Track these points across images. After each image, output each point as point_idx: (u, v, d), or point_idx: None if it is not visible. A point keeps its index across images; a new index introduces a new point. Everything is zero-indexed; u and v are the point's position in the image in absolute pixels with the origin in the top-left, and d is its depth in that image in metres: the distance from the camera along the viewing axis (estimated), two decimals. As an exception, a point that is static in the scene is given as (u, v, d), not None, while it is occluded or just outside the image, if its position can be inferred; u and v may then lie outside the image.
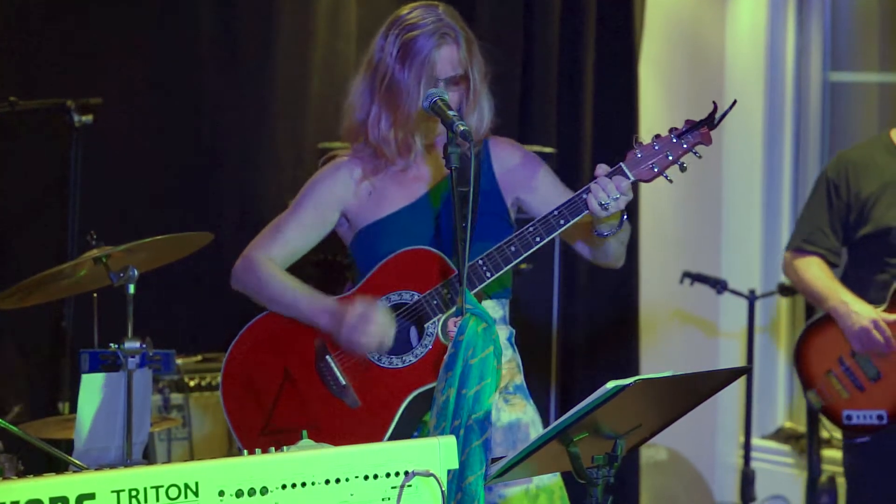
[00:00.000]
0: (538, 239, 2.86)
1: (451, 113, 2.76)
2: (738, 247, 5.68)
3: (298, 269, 3.16)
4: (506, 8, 5.14)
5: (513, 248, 2.86)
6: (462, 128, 2.71)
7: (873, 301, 3.95)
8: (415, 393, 2.89)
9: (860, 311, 3.92)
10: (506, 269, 2.88)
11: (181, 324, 4.32)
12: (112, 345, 3.08)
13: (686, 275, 5.18)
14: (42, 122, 3.99)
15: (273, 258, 3.05)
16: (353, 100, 3.05)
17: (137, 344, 3.05)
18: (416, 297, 2.92)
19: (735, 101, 2.87)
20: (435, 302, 2.89)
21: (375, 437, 2.85)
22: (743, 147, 5.65)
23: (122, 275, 3.05)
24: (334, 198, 3.06)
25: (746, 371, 4.76)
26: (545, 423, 4.51)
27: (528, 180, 3.09)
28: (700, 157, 2.89)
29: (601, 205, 2.81)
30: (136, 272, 3.05)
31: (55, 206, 4.04)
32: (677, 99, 5.73)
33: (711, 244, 5.73)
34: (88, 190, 3.94)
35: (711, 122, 2.86)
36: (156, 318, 3.84)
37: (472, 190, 2.75)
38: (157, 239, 3.10)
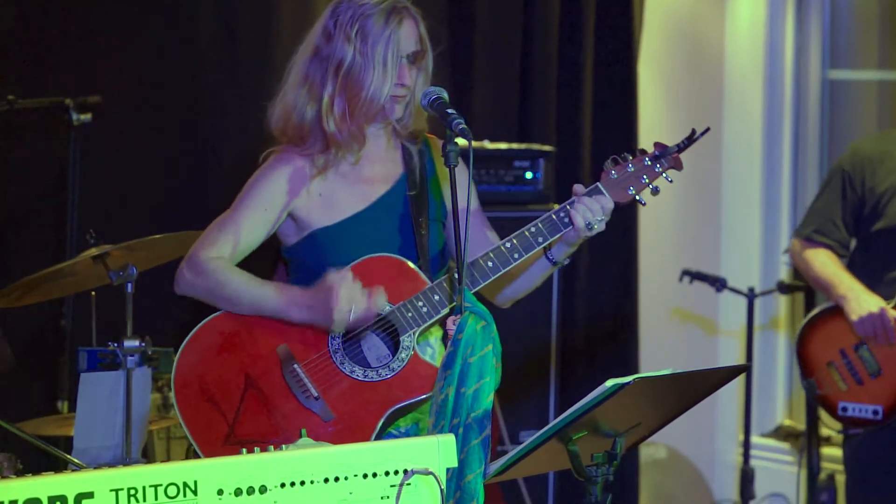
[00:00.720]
0: (517, 255, 2.82)
1: (450, 111, 2.75)
2: (738, 245, 5.68)
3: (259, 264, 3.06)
4: (505, 5, 5.14)
5: (490, 264, 2.81)
6: (461, 126, 2.70)
7: (883, 297, 3.96)
8: (392, 409, 2.81)
9: (868, 300, 3.93)
10: (483, 284, 2.82)
11: (180, 322, 4.31)
12: (111, 343, 3.08)
13: (685, 273, 5.18)
14: (41, 120, 3.99)
15: (223, 257, 2.89)
16: (296, 92, 2.92)
17: (136, 342, 3.05)
18: (388, 308, 2.82)
19: (708, 129, 2.92)
20: (410, 314, 2.81)
21: None
22: (742, 145, 5.65)
23: (121, 273, 3.05)
24: (282, 196, 2.92)
25: (746, 369, 4.78)
26: (544, 421, 4.52)
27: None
28: (671, 181, 2.92)
29: (588, 224, 2.81)
30: (135, 271, 3.05)
31: (54, 205, 4.04)
32: (676, 97, 5.73)
33: (711, 242, 5.73)
34: (87, 188, 3.94)
35: (684, 147, 2.90)
36: (155, 316, 3.84)
37: (469, 185, 2.72)
38: (157, 238, 3.11)
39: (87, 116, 3.88)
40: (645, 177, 2.89)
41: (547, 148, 4.79)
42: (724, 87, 5.69)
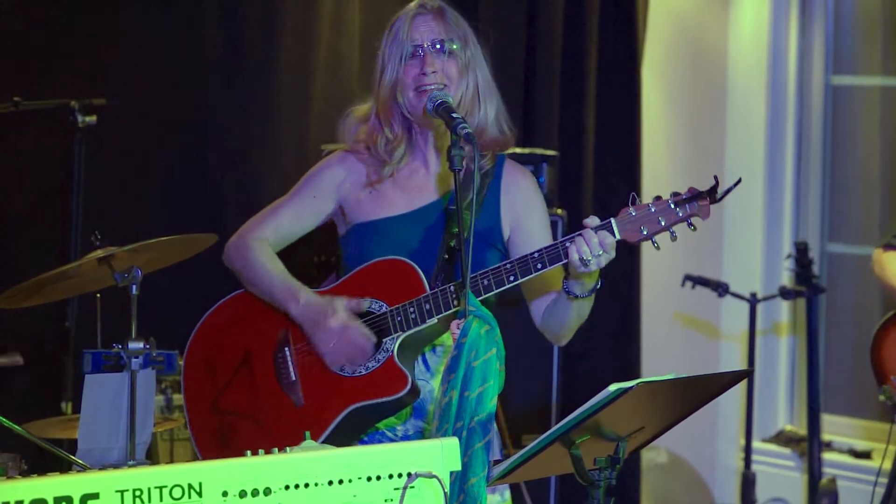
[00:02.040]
0: (512, 278, 2.77)
1: (454, 115, 2.75)
2: (740, 250, 5.68)
3: (298, 269, 3.14)
4: (508, 10, 5.15)
5: (485, 282, 2.79)
6: (466, 130, 2.70)
7: None
8: (355, 406, 2.82)
9: None
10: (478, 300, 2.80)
11: (184, 324, 4.31)
12: (115, 345, 3.09)
13: (687, 277, 5.19)
14: (46, 122, 4.00)
15: (265, 238, 3.01)
16: (359, 112, 3.02)
17: (141, 344, 3.05)
18: (384, 309, 2.86)
19: (740, 180, 2.74)
20: (399, 318, 2.83)
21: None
22: (745, 150, 5.65)
23: (126, 275, 3.05)
24: (334, 188, 3.00)
25: (748, 374, 4.78)
26: (547, 425, 4.52)
27: (528, 234, 2.96)
28: (695, 229, 2.76)
29: (581, 259, 2.70)
30: (140, 272, 3.05)
31: (59, 207, 4.04)
32: (680, 102, 5.74)
33: (713, 247, 5.73)
34: (92, 190, 3.95)
35: (714, 195, 2.70)
36: (159, 318, 3.84)
37: (474, 193, 2.72)
38: (162, 240, 3.11)
39: (92, 118, 3.89)
40: (662, 220, 2.74)
41: (550, 152, 4.79)
42: (727, 93, 5.69)
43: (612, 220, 2.74)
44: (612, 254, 2.73)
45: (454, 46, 2.90)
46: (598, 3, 5.32)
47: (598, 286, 2.82)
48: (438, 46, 2.88)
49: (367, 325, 2.87)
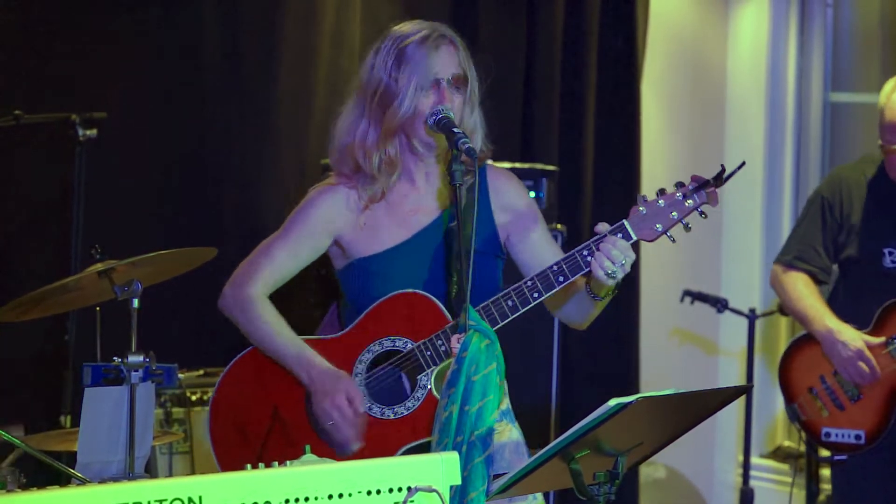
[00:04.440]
0: (536, 295, 2.79)
1: (455, 129, 2.76)
2: (739, 266, 5.69)
3: (299, 281, 3.13)
4: (508, 25, 5.17)
5: (510, 303, 2.79)
6: (467, 145, 2.70)
7: (859, 326, 3.97)
8: (406, 447, 2.82)
9: (846, 341, 3.94)
10: (502, 324, 2.80)
11: (184, 338, 4.32)
12: (115, 358, 3.09)
13: (686, 293, 5.19)
14: (47, 135, 4.00)
15: (264, 290, 2.97)
16: (342, 122, 2.96)
17: (140, 358, 3.05)
18: (409, 346, 2.84)
19: (744, 163, 2.77)
20: (429, 353, 2.82)
21: None
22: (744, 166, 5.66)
23: (126, 288, 3.05)
24: (328, 225, 2.96)
25: (748, 390, 4.78)
26: (545, 440, 4.52)
27: (527, 230, 2.98)
28: (705, 217, 2.78)
29: (607, 273, 2.71)
30: (140, 286, 3.05)
31: (59, 220, 4.05)
32: (679, 118, 5.75)
33: (712, 263, 5.74)
34: (93, 204, 3.95)
35: (719, 181, 2.74)
36: (158, 332, 3.84)
37: (475, 207, 2.72)
38: (162, 253, 3.11)
39: (92, 132, 3.89)
40: (674, 212, 2.76)
41: (550, 167, 4.80)
42: (726, 109, 5.71)
43: (625, 223, 2.75)
44: (633, 255, 2.74)
45: (468, 80, 2.91)
46: (597, 19, 5.34)
47: (621, 281, 2.81)
48: (455, 81, 2.88)
49: (394, 364, 2.86)
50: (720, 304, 5.15)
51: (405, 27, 2.93)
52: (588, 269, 2.75)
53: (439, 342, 2.81)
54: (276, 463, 2.10)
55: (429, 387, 2.82)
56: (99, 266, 3.10)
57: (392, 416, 2.84)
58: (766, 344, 5.65)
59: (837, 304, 4.07)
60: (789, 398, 4.14)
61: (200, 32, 4.42)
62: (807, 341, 4.10)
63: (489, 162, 3.04)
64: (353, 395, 2.83)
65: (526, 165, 4.81)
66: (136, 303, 3.06)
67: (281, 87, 4.58)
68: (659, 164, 5.63)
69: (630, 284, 5.42)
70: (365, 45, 4.68)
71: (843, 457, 4.01)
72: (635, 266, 5.43)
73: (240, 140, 4.52)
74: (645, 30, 5.48)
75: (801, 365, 4.11)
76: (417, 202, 2.96)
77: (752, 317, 5.15)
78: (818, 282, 4.12)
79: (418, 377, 2.83)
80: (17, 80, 4.08)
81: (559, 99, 5.26)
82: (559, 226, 4.59)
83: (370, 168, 2.91)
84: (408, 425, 2.82)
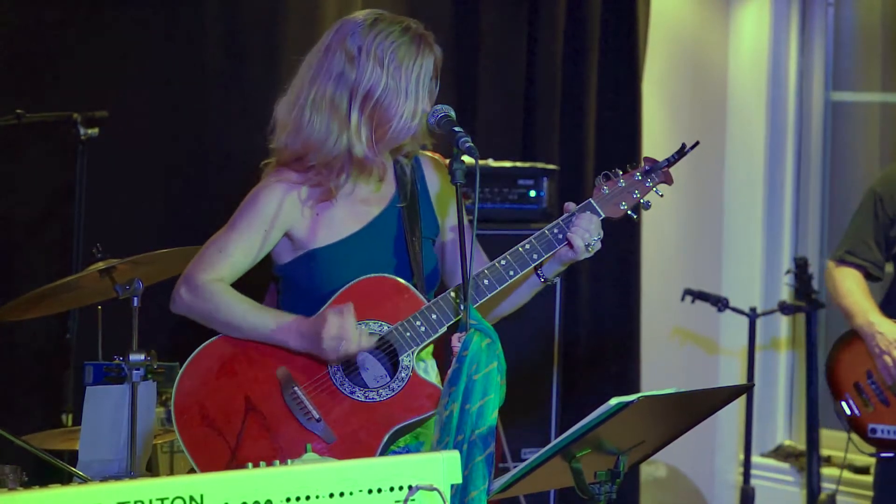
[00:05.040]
0: (512, 273, 2.82)
1: (457, 129, 2.76)
2: (740, 265, 5.69)
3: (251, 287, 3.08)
4: (510, 25, 5.17)
5: (486, 282, 2.81)
6: (468, 144, 2.71)
7: None
8: (394, 429, 2.81)
9: (886, 333, 3.97)
10: (480, 302, 2.81)
11: (185, 336, 4.32)
12: (116, 357, 3.09)
13: (687, 292, 5.20)
14: (48, 134, 4.00)
15: (223, 279, 2.89)
16: (311, 118, 2.87)
17: (142, 356, 3.05)
18: (385, 328, 2.83)
19: (697, 142, 2.91)
20: (409, 334, 2.81)
21: None
22: (745, 165, 5.67)
23: (127, 287, 3.05)
24: (280, 218, 2.90)
25: (749, 388, 4.79)
26: (546, 439, 4.53)
27: (452, 217, 2.98)
28: (661, 195, 2.95)
29: (587, 245, 2.83)
30: (141, 285, 3.05)
31: (61, 219, 4.05)
32: (680, 118, 5.75)
33: (713, 262, 5.75)
34: (94, 203, 3.95)
35: (673, 161, 2.91)
36: (160, 330, 3.85)
37: (476, 203, 2.73)
38: (163, 252, 3.12)
39: (94, 131, 3.89)
40: (636, 192, 2.92)
41: (551, 167, 4.81)
42: (727, 108, 5.71)
43: (591, 201, 2.90)
44: (602, 233, 2.87)
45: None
46: (598, 18, 5.34)
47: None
48: (436, 83, 2.90)
49: (373, 346, 2.84)
50: (721, 303, 5.15)
51: (382, 21, 2.86)
52: (560, 246, 2.85)
53: (418, 322, 2.81)
54: (278, 461, 2.10)
55: (412, 366, 2.82)
56: (100, 265, 3.11)
57: (377, 399, 2.82)
58: (767, 343, 5.65)
59: (893, 305, 4.09)
60: (836, 394, 4.14)
61: (202, 31, 4.42)
62: (854, 337, 4.12)
63: (420, 153, 3.04)
64: (342, 311, 2.78)
65: (527, 164, 4.81)
66: (137, 301, 3.06)
67: (282, 84, 4.58)
68: (660, 163, 5.63)
69: (630, 283, 5.42)
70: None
71: (891, 454, 4.01)
72: (636, 265, 5.48)
73: (241, 137, 4.52)
74: (646, 29, 5.49)
75: (848, 361, 4.13)
76: (368, 191, 2.95)
77: (752, 316, 5.15)
78: (870, 277, 4.15)
79: (400, 358, 2.82)
80: (19, 79, 4.08)
81: (560, 98, 5.26)
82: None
83: (370, 164, 2.87)
84: (397, 405, 2.81)
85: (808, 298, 4.99)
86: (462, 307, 2.71)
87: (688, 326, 5.72)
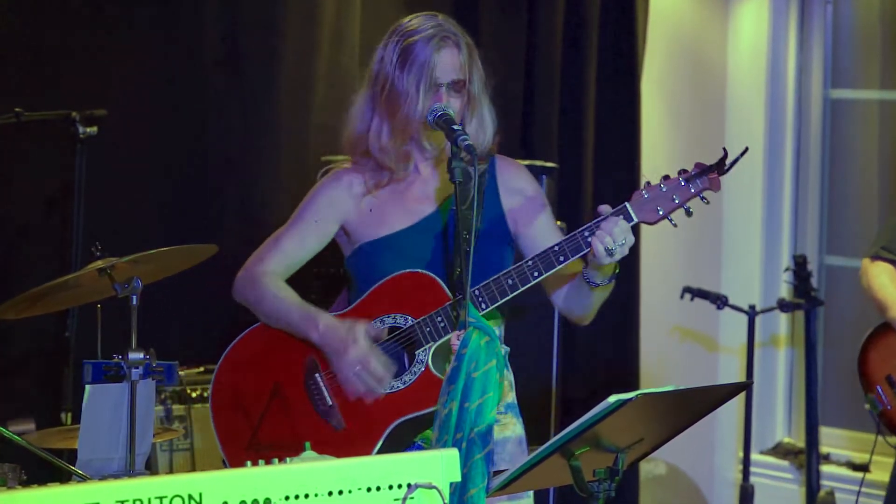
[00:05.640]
0: (536, 274, 2.82)
1: (455, 127, 2.77)
2: (739, 262, 5.70)
3: (300, 280, 3.16)
4: (509, 23, 5.17)
5: (510, 282, 2.82)
6: (466, 142, 2.71)
7: None
8: (399, 420, 2.84)
9: None
10: (501, 301, 2.83)
11: (184, 335, 4.33)
12: (116, 356, 3.09)
13: (686, 290, 5.20)
14: (47, 133, 4.00)
15: (273, 271, 3.03)
16: (355, 111, 3.02)
17: (141, 355, 3.05)
18: (409, 322, 2.89)
19: (746, 149, 2.82)
20: (428, 329, 2.85)
21: None
22: (744, 163, 5.65)
23: (126, 286, 3.05)
24: (334, 211, 3.03)
25: (748, 386, 4.79)
26: (545, 436, 4.52)
27: (531, 216, 3.01)
28: (707, 202, 2.85)
29: (607, 250, 2.75)
30: (140, 283, 3.06)
31: (60, 217, 4.05)
32: (679, 115, 5.75)
33: (712, 260, 5.75)
34: (93, 201, 3.96)
35: (722, 167, 2.81)
36: (159, 329, 3.85)
37: (475, 203, 2.73)
38: (162, 251, 3.11)
39: (93, 129, 3.90)
40: (676, 197, 2.82)
41: (550, 164, 4.80)
42: (726, 106, 5.71)
43: (627, 205, 2.81)
44: (633, 238, 2.78)
45: (466, 85, 2.93)
46: (597, 17, 5.34)
47: (618, 271, 2.86)
48: (455, 85, 2.91)
49: (395, 339, 2.89)
50: (720, 301, 5.15)
51: (413, 22, 2.95)
52: (588, 249, 2.78)
53: (438, 318, 2.85)
54: (277, 459, 2.10)
55: (426, 361, 2.85)
56: (99, 263, 3.10)
57: (389, 390, 2.86)
58: (766, 340, 5.66)
59: None
60: (867, 388, 4.13)
61: (201, 30, 4.42)
62: (885, 331, 4.11)
63: (497, 155, 3.08)
64: (371, 334, 2.86)
65: (526, 162, 4.78)
66: (136, 300, 3.07)
67: (281, 85, 4.58)
68: (659, 160, 5.63)
69: (630, 281, 5.42)
70: (365, 43, 4.69)
71: None
72: (635, 263, 5.48)
73: (240, 137, 4.52)
74: (645, 27, 5.48)
75: (879, 354, 4.12)
76: (422, 191, 3.00)
77: (751, 313, 5.15)
78: None
79: (416, 352, 2.86)
80: (18, 78, 4.08)
81: (559, 96, 5.26)
82: (559, 223, 4.59)
83: (387, 160, 2.96)
84: (403, 398, 2.84)
85: (807, 296, 4.99)
86: (484, 304, 2.79)
87: (687, 324, 5.72)
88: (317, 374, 2.92)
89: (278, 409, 2.95)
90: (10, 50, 4.06)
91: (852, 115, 5.64)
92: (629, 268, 5.43)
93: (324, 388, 2.91)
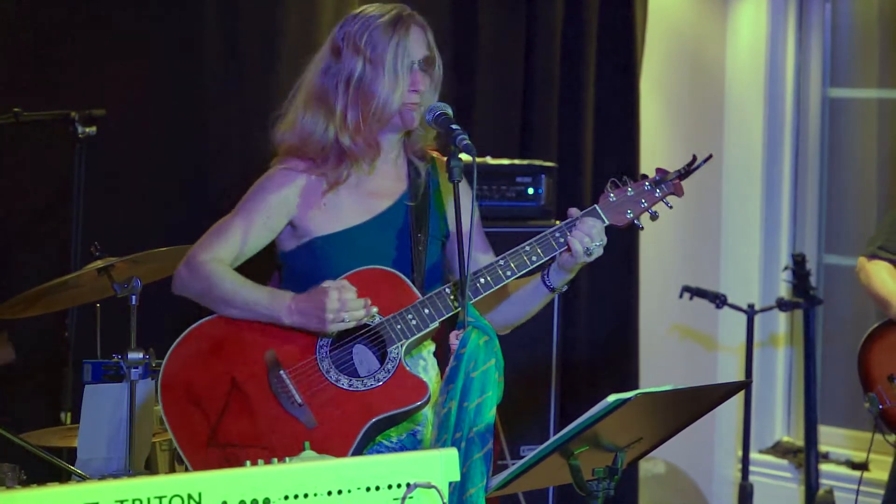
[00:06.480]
0: (509, 273, 2.81)
1: (454, 126, 2.77)
2: (738, 261, 5.70)
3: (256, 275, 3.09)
4: (508, 21, 5.17)
5: (482, 281, 2.81)
6: (465, 142, 2.72)
7: None
8: (376, 419, 2.79)
9: None
10: (474, 300, 2.80)
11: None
12: (115, 356, 3.10)
13: (685, 289, 5.20)
14: (46, 133, 4.01)
15: (223, 259, 2.91)
16: (299, 116, 2.94)
17: (140, 355, 3.06)
18: (377, 319, 2.84)
19: (710, 156, 2.86)
20: (399, 326, 2.81)
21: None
22: (742, 162, 5.67)
23: (125, 286, 3.06)
24: (286, 207, 2.93)
25: (747, 385, 4.79)
26: (545, 436, 4.53)
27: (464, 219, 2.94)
28: (671, 207, 2.92)
29: (586, 249, 2.78)
30: (139, 283, 3.06)
31: (59, 217, 4.05)
32: (678, 114, 5.75)
33: (711, 259, 5.75)
34: (92, 201, 3.96)
35: (685, 173, 2.86)
36: (158, 328, 3.85)
37: (473, 203, 2.74)
38: (161, 250, 3.12)
39: (92, 129, 3.90)
40: (644, 201, 2.87)
41: (549, 164, 4.81)
42: (724, 105, 5.71)
43: (597, 207, 2.86)
44: (605, 238, 2.82)
45: (435, 61, 2.92)
46: (596, 16, 5.34)
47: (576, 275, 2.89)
48: (426, 63, 2.89)
49: (363, 338, 2.85)
50: (719, 300, 5.16)
51: (369, 9, 2.92)
52: (560, 250, 2.81)
53: (409, 316, 2.81)
54: (276, 459, 2.10)
55: (399, 358, 2.81)
56: (98, 263, 3.11)
57: (362, 388, 2.81)
58: (765, 339, 5.66)
59: None
60: (867, 387, 4.12)
61: (200, 29, 4.42)
62: (887, 329, 4.11)
63: (436, 154, 3.04)
64: (342, 285, 2.79)
65: (525, 162, 4.81)
66: (135, 300, 3.07)
67: (280, 83, 4.58)
68: (658, 160, 5.61)
69: (629, 281, 5.43)
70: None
71: None
72: (634, 262, 5.48)
73: (239, 135, 4.52)
74: (643, 26, 5.49)
75: (881, 352, 4.12)
76: (378, 185, 2.96)
77: (750, 312, 5.15)
78: None
79: (388, 349, 2.81)
80: (17, 78, 4.08)
81: (558, 95, 5.26)
82: (558, 222, 4.59)
83: (357, 151, 2.89)
84: (380, 396, 2.80)
85: (806, 295, 4.99)
86: (459, 304, 2.74)
87: (686, 323, 5.72)
88: (281, 371, 2.82)
89: (239, 406, 2.83)
90: (10, 49, 4.07)
91: (851, 114, 5.64)
92: (628, 267, 5.44)
93: (291, 386, 2.81)
